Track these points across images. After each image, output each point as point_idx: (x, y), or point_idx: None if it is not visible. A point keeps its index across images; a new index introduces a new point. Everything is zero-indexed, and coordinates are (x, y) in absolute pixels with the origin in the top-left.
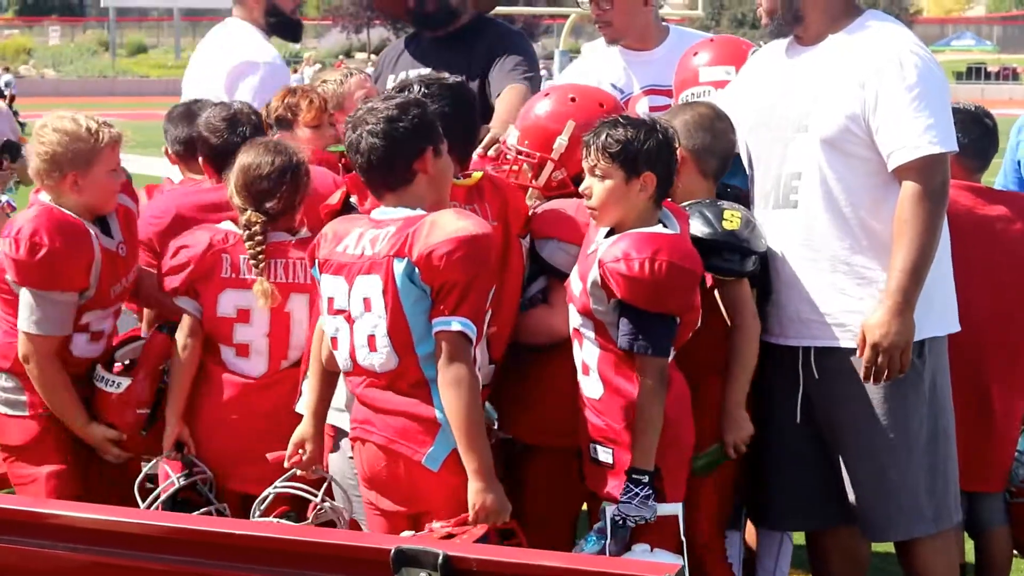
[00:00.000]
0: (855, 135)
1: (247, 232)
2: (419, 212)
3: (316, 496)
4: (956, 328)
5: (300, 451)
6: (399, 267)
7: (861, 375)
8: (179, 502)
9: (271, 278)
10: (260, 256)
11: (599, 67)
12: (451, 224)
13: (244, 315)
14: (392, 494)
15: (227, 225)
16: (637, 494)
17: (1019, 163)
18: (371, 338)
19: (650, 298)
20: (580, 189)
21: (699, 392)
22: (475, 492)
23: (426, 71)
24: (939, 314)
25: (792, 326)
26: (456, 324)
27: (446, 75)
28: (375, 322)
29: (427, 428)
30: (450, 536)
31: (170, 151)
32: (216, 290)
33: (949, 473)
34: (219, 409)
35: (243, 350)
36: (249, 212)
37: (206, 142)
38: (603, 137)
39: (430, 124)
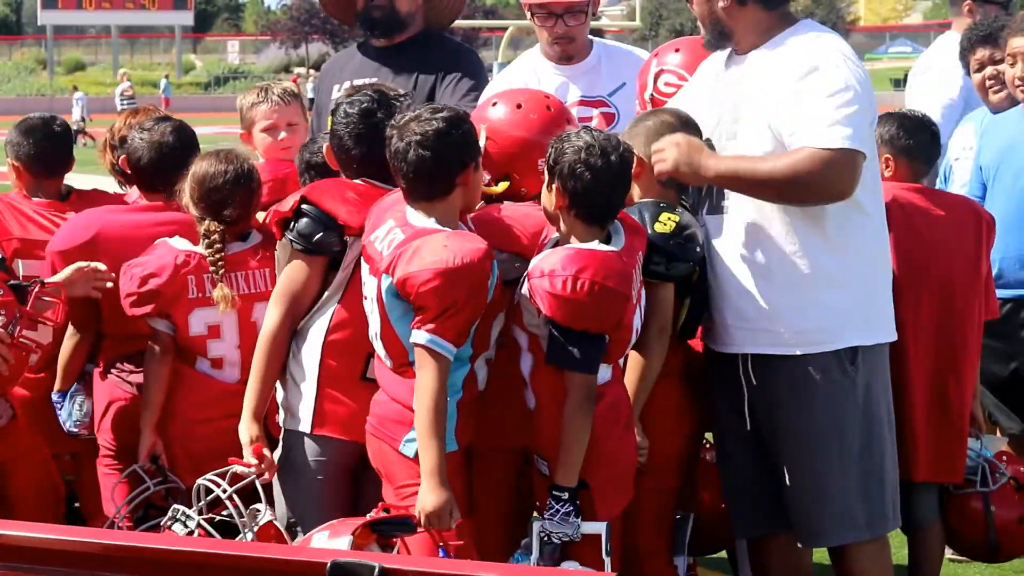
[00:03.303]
0: (778, 142)
1: (206, 240)
2: (432, 226)
3: (237, 506)
4: (892, 337)
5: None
6: (385, 283)
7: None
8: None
9: (234, 290)
10: (220, 263)
11: (530, 77)
12: (432, 253)
13: (215, 331)
14: (387, 482)
15: (182, 244)
16: (558, 511)
17: (950, 167)
18: (376, 334)
19: (573, 316)
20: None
21: (650, 398)
22: (420, 492)
23: (372, 81)
24: (872, 323)
25: (728, 333)
26: (423, 337)
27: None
28: (376, 322)
29: (406, 415)
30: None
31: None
32: (186, 311)
33: (886, 479)
34: (195, 408)
35: (217, 363)
36: (208, 221)
37: (136, 157)
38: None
39: (474, 139)
